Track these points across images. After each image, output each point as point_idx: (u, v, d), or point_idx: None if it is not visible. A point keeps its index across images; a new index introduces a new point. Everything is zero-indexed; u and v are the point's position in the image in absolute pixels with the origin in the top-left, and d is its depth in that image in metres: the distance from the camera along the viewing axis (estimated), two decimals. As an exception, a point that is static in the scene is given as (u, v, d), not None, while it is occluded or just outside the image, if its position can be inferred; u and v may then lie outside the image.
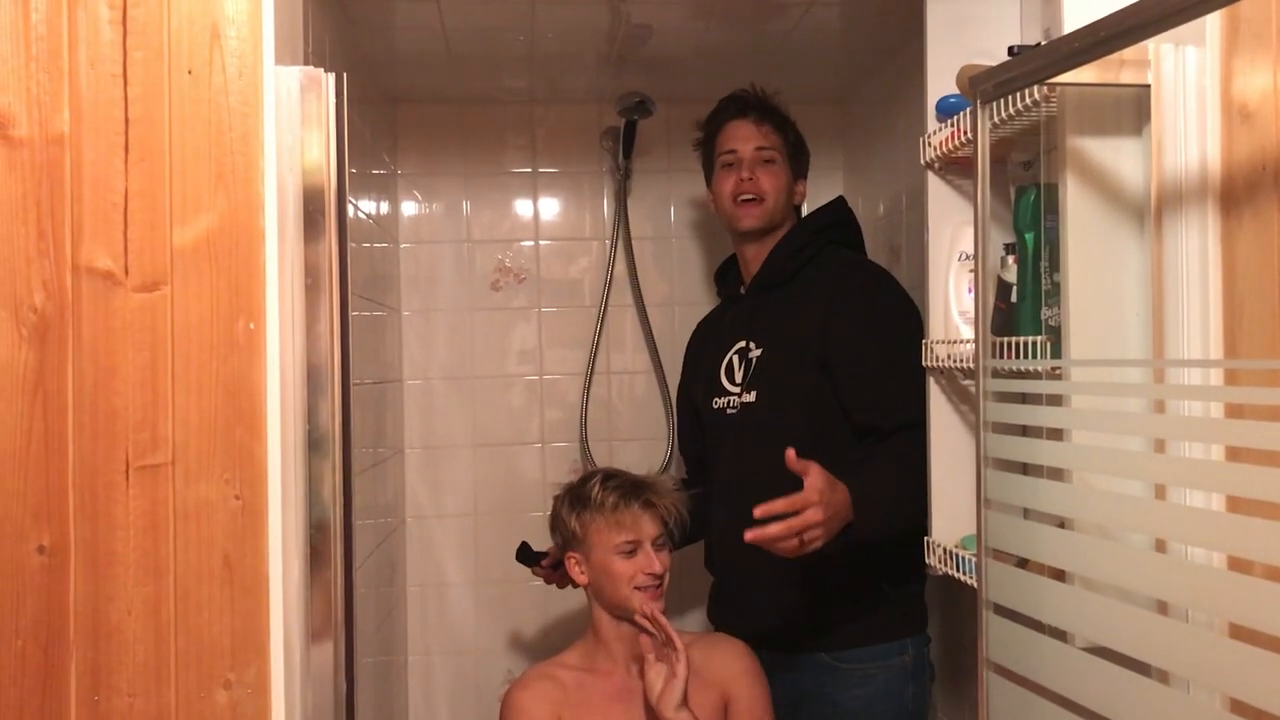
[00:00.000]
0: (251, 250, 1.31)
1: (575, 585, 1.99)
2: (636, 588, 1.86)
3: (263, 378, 1.31)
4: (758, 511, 1.64)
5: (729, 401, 2.11)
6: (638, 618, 1.83)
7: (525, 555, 2.20)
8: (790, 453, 1.67)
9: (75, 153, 1.30)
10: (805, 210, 2.24)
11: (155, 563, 1.30)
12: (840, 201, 2.22)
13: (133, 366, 1.30)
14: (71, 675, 1.29)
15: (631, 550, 1.87)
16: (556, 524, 1.98)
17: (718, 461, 2.15)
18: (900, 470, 1.80)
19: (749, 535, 1.64)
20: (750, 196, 2.10)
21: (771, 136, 2.13)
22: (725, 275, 2.32)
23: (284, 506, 1.31)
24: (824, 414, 1.96)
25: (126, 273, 1.30)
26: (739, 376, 2.10)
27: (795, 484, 1.74)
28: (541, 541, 2.15)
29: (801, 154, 2.19)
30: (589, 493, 1.91)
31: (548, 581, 2.17)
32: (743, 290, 2.20)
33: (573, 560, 1.94)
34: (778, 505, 1.64)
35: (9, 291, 1.29)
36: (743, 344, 2.12)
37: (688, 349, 2.42)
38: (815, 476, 1.67)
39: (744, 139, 2.13)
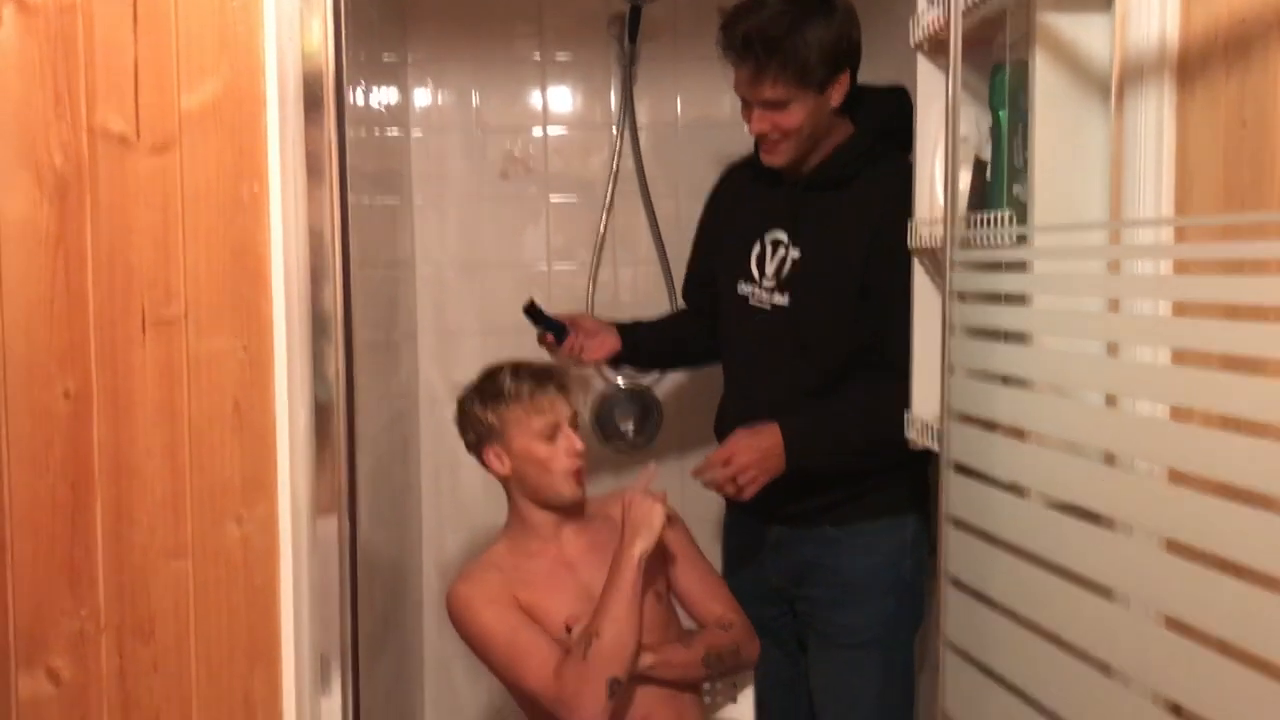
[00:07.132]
0: (254, 115, 1.38)
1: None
2: (565, 471, 1.91)
3: (266, 237, 1.39)
4: (693, 474, 2.00)
5: (753, 293, 2.10)
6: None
7: (534, 314, 2.24)
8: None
9: (87, 20, 1.36)
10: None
11: (171, 408, 1.40)
12: (903, 95, 1.97)
13: (146, 225, 1.39)
14: (97, 510, 1.41)
15: (553, 434, 1.91)
16: (468, 423, 1.97)
17: (737, 348, 2.17)
18: (859, 411, 1.89)
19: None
20: (771, 137, 2.00)
21: (775, 85, 1.92)
22: None
23: (289, 357, 1.40)
24: (857, 334, 1.98)
25: (138, 135, 1.38)
26: (770, 269, 2.08)
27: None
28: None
29: (827, 64, 1.93)
30: (501, 385, 1.94)
31: (548, 347, 2.26)
32: (784, 174, 2.07)
33: (491, 453, 1.95)
34: (704, 471, 2.00)
35: (30, 152, 1.37)
36: (780, 236, 2.07)
37: (714, 202, 2.32)
38: (733, 438, 1.98)
39: (747, 86, 1.97)
